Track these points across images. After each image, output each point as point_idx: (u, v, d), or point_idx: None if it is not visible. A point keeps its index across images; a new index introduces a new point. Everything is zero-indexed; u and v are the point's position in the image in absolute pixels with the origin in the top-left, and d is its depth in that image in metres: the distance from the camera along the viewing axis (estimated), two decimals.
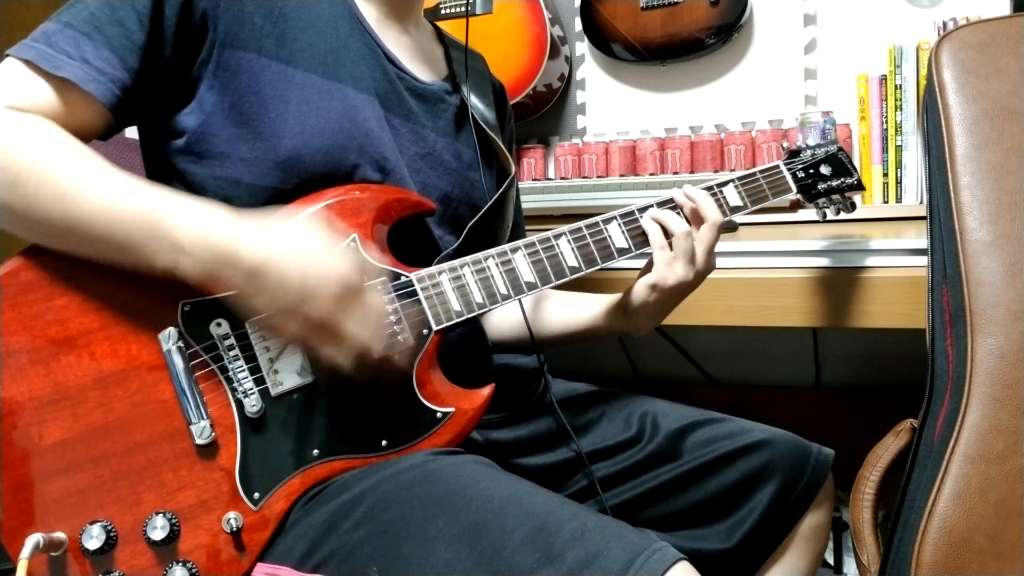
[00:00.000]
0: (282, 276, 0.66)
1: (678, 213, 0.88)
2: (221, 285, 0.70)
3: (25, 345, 0.70)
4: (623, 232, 0.87)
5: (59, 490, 0.69)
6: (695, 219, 0.88)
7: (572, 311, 1.02)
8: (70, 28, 0.71)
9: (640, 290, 0.89)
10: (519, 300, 0.84)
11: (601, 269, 0.87)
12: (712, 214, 0.87)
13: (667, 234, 0.87)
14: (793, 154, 0.99)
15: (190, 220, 0.67)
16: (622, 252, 0.87)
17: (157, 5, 0.73)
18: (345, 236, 0.77)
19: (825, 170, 0.98)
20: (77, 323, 0.71)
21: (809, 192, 0.98)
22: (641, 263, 0.92)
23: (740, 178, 0.93)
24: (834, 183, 0.98)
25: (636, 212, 0.88)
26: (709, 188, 0.90)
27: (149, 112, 0.78)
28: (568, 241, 0.85)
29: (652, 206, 0.88)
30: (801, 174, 0.97)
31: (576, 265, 0.85)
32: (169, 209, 0.68)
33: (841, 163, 0.99)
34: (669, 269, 0.86)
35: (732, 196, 0.92)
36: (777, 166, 0.97)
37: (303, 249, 0.67)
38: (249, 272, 0.66)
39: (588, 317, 0.99)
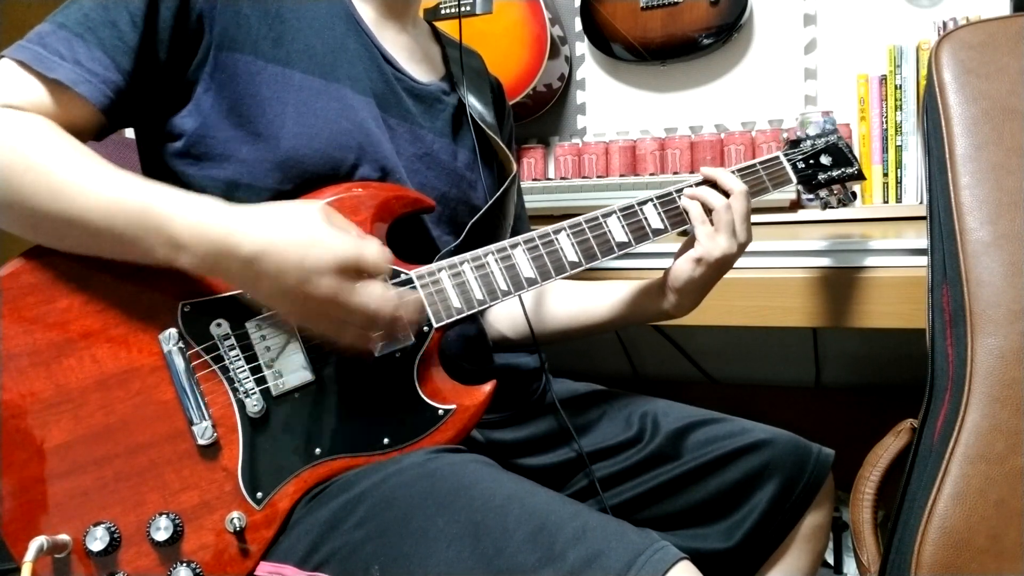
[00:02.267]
0: (281, 260, 0.67)
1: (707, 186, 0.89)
2: (221, 275, 0.70)
3: (26, 347, 0.70)
4: (623, 226, 0.87)
5: (62, 492, 0.69)
6: (723, 192, 0.88)
7: (588, 300, 1.01)
8: (63, 29, 0.71)
9: (685, 266, 0.88)
10: (520, 298, 0.84)
11: (599, 268, 0.87)
12: (736, 186, 0.88)
13: (707, 210, 0.87)
14: (793, 144, 0.99)
15: (185, 213, 0.68)
16: (622, 246, 0.87)
17: (151, 6, 0.73)
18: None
19: (825, 160, 0.98)
20: (78, 325, 0.71)
21: (809, 183, 0.97)
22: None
23: (740, 170, 0.93)
24: (835, 173, 0.98)
25: (635, 205, 0.88)
26: (669, 193, 0.90)
27: (145, 114, 0.78)
28: (568, 236, 0.85)
29: (651, 200, 0.88)
30: (801, 164, 0.97)
31: (576, 260, 0.85)
32: (164, 202, 0.68)
33: (841, 153, 0.98)
34: (713, 242, 0.86)
35: None
36: (777, 157, 0.96)
37: (300, 232, 0.68)
38: (247, 260, 0.67)
39: (610, 305, 0.98)
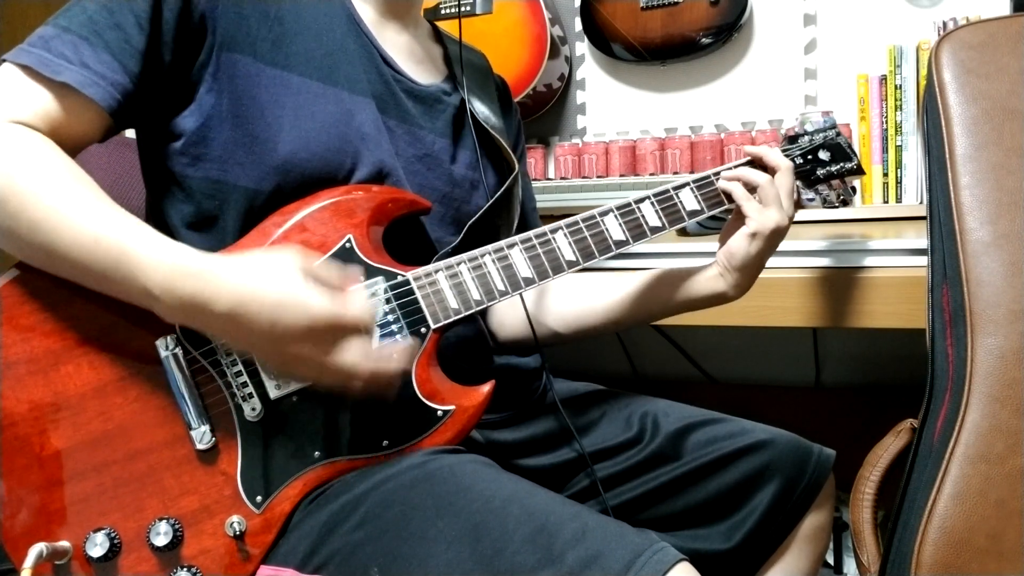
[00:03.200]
0: (254, 319, 0.65)
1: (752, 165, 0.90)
2: (198, 328, 0.70)
3: (24, 355, 0.70)
4: (620, 225, 0.87)
5: (62, 499, 0.69)
6: (769, 169, 0.89)
7: (662, 284, 0.96)
8: (68, 32, 0.71)
9: (741, 243, 0.87)
10: (522, 299, 0.83)
11: (598, 267, 0.87)
12: (782, 162, 0.89)
13: (751, 188, 0.88)
14: (791, 140, 0.99)
15: (158, 264, 0.65)
16: (619, 245, 0.86)
17: (156, 8, 0.73)
18: (341, 239, 0.77)
19: (824, 155, 0.97)
20: (75, 332, 0.71)
21: (808, 178, 0.97)
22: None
23: (739, 166, 0.93)
24: (833, 168, 0.97)
25: (632, 204, 0.87)
26: (706, 176, 0.90)
27: (149, 115, 0.77)
28: (565, 235, 0.85)
29: (648, 197, 0.88)
30: (799, 160, 0.96)
31: (574, 259, 0.84)
32: (139, 247, 0.66)
33: (840, 148, 0.98)
34: (765, 215, 0.86)
35: None
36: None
37: (274, 289, 0.65)
38: (220, 316, 0.65)
39: (683, 287, 0.93)
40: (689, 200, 0.89)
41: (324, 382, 0.69)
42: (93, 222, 0.66)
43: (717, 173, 0.91)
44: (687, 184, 0.89)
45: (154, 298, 0.66)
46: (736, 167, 0.91)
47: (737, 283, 0.90)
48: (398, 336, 0.77)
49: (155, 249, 0.66)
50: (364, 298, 0.70)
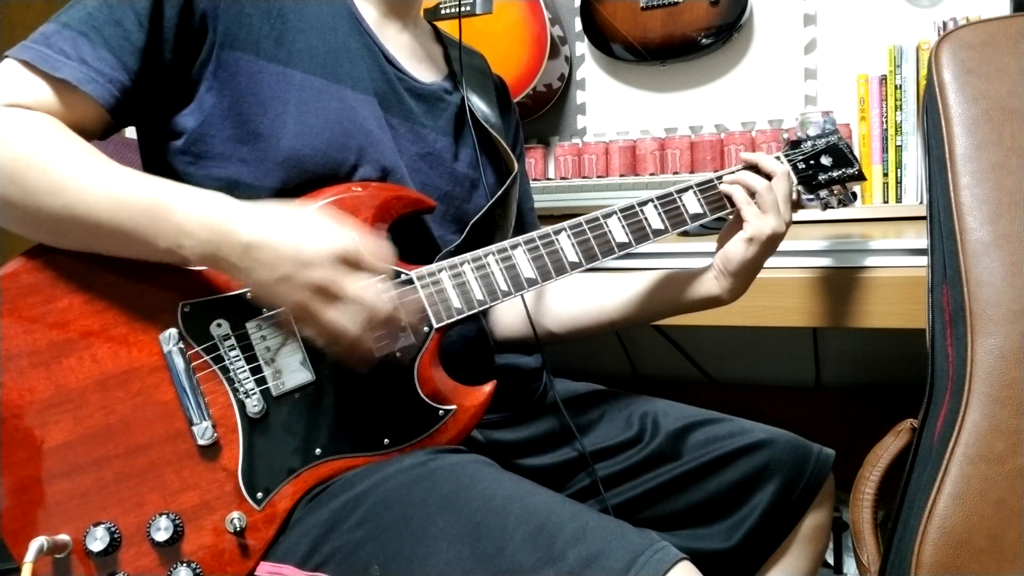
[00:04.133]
0: (278, 246, 0.67)
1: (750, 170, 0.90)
2: (221, 263, 0.69)
3: (26, 348, 0.70)
4: (623, 227, 0.87)
5: (62, 492, 0.69)
6: (766, 175, 0.90)
7: (658, 287, 0.97)
8: (68, 28, 0.71)
9: (738, 247, 0.88)
10: (523, 298, 0.84)
11: (600, 267, 0.87)
12: (778, 167, 0.90)
13: (751, 192, 0.89)
14: (793, 145, 0.99)
15: (190, 203, 0.69)
16: (622, 247, 0.87)
17: (156, 6, 0.73)
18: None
19: (826, 161, 0.98)
20: (78, 325, 0.71)
21: (810, 183, 0.97)
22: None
23: (741, 170, 0.93)
24: (835, 174, 0.98)
25: (636, 206, 0.88)
26: (708, 180, 0.91)
27: (148, 113, 0.78)
28: (568, 236, 0.85)
29: (652, 200, 0.88)
30: (801, 165, 0.97)
31: (576, 260, 0.85)
32: (170, 194, 0.69)
33: (842, 153, 0.99)
34: (762, 221, 0.87)
35: None
36: (778, 158, 0.96)
37: (299, 221, 0.69)
38: (246, 246, 0.67)
39: (678, 290, 0.94)
40: (692, 203, 0.89)
41: (338, 319, 0.69)
42: (117, 181, 0.68)
43: (720, 177, 0.91)
44: (690, 187, 0.89)
45: (184, 232, 0.68)
46: (736, 172, 0.91)
47: (732, 287, 0.91)
48: (400, 335, 0.77)
49: (186, 190, 0.70)
50: (381, 242, 0.73)
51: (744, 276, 0.90)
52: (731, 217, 0.92)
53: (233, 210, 0.69)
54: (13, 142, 0.67)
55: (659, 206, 0.88)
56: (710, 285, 0.92)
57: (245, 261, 0.68)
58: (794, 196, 0.93)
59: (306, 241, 0.68)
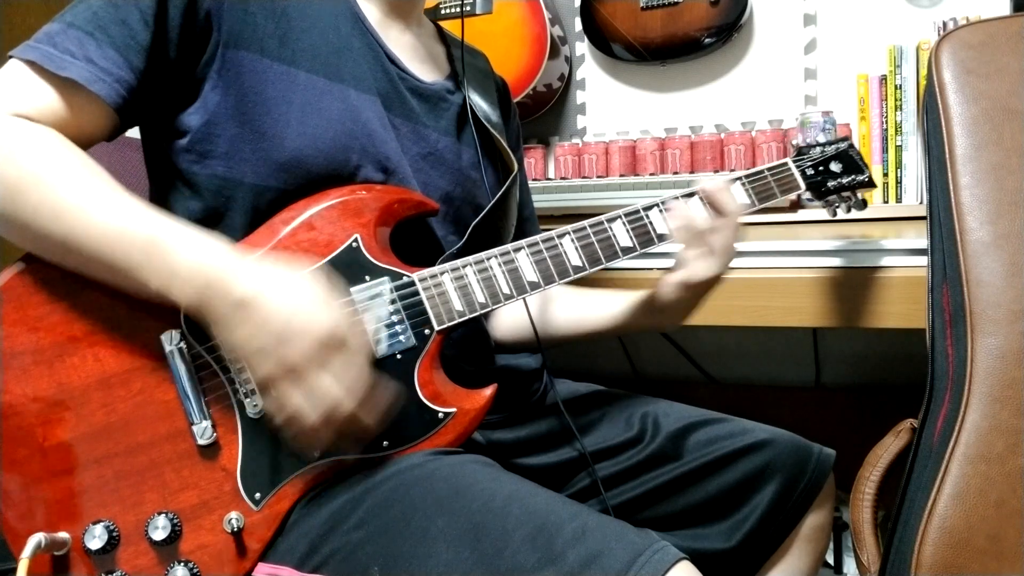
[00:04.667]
0: (268, 313, 0.65)
1: (704, 205, 0.88)
2: (208, 313, 0.67)
3: (29, 346, 0.70)
4: (627, 231, 0.87)
5: (62, 490, 0.69)
6: (718, 210, 0.87)
7: (589, 309, 1.01)
8: (73, 28, 0.70)
9: (670, 288, 0.88)
10: (524, 300, 0.84)
11: (604, 268, 0.87)
12: (733, 207, 0.87)
13: (690, 230, 0.86)
14: (802, 151, 0.99)
15: (189, 248, 0.67)
16: (626, 251, 0.86)
17: (161, 5, 0.73)
18: (348, 238, 0.77)
19: (835, 167, 0.97)
20: (81, 324, 0.71)
21: (819, 189, 0.97)
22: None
23: (748, 176, 0.93)
24: (844, 180, 0.97)
25: (641, 211, 0.88)
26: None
27: (153, 112, 0.77)
28: (572, 240, 0.85)
29: (657, 204, 0.88)
30: (810, 171, 0.96)
31: (580, 264, 0.84)
32: (170, 235, 0.67)
33: (852, 160, 0.98)
34: (698, 264, 0.86)
35: (740, 194, 0.92)
36: (786, 163, 0.96)
37: (298, 291, 0.67)
38: (237, 303, 0.65)
39: (609, 315, 0.98)
40: (697, 208, 0.89)
41: (299, 404, 0.66)
42: (117, 210, 0.67)
43: (730, 182, 0.91)
44: (695, 193, 0.89)
45: (177, 276, 0.66)
46: (688, 200, 0.89)
47: (671, 320, 0.93)
48: (401, 337, 0.77)
49: (185, 232, 0.68)
50: (370, 329, 0.73)
51: (677, 314, 0.91)
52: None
53: (230, 262, 0.67)
54: (17, 158, 0.66)
55: (665, 211, 0.88)
56: (651, 317, 0.94)
57: (231, 317, 0.66)
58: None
59: (298, 314, 0.66)
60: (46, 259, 0.71)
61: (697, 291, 0.88)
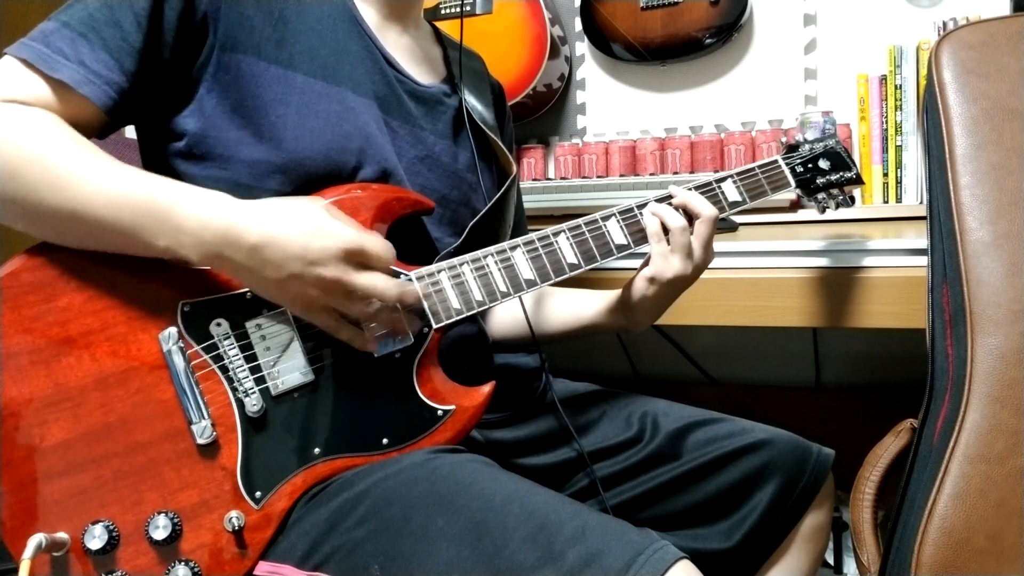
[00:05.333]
0: (285, 247, 0.68)
1: (677, 208, 0.88)
2: (225, 264, 0.70)
3: (26, 346, 0.70)
4: (622, 229, 0.87)
5: (61, 490, 0.69)
6: (691, 215, 0.87)
7: (575, 307, 1.02)
8: (67, 28, 0.71)
9: (638, 284, 0.89)
10: (520, 298, 0.84)
11: (601, 268, 0.87)
12: (706, 210, 0.87)
13: (665, 229, 0.87)
14: (791, 149, 0.99)
15: (191, 202, 0.69)
16: (621, 249, 0.87)
17: (156, 7, 0.73)
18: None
19: (824, 164, 0.98)
20: (78, 324, 0.71)
21: (808, 187, 0.97)
22: (640, 262, 0.92)
23: (739, 173, 0.93)
24: (833, 177, 0.98)
25: (635, 209, 0.88)
26: (707, 184, 0.90)
27: (148, 113, 0.78)
28: (567, 238, 0.85)
29: (650, 202, 0.88)
30: (800, 169, 0.97)
31: (575, 262, 0.85)
32: (170, 192, 0.69)
33: (840, 157, 0.99)
34: (666, 262, 0.86)
35: (731, 191, 0.92)
36: (775, 161, 0.96)
37: (305, 221, 0.70)
38: (252, 248, 0.68)
39: (591, 313, 0.99)
40: (669, 210, 0.89)
41: (349, 310, 0.72)
42: (117, 178, 0.68)
43: (719, 180, 0.91)
44: (689, 190, 0.89)
45: (185, 232, 0.68)
46: (661, 200, 0.89)
47: (637, 320, 0.93)
48: (400, 336, 0.77)
49: (186, 190, 0.70)
50: (382, 238, 0.74)
51: (646, 312, 0.91)
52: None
53: (237, 210, 0.69)
54: (14, 138, 0.67)
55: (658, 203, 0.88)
56: (615, 317, 0.95)
57: (252, 261, 0.69)
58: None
59: (313, 239, 0.69)
60: (54, 239, 0.71)
61: (665, 290, 0.88)
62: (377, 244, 0.72)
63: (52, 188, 0.67)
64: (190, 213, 0.68)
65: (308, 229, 0.69)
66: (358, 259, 0.71)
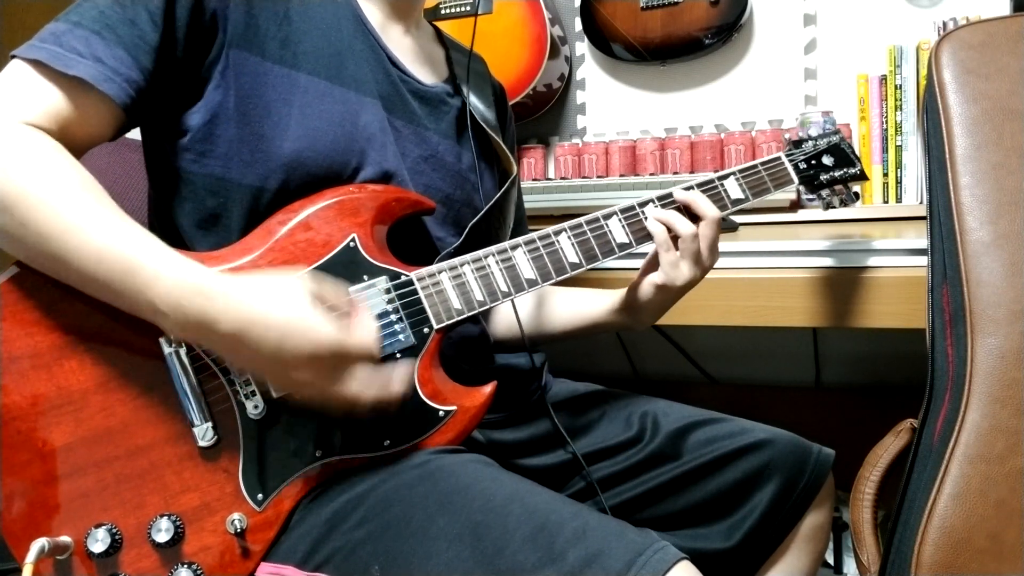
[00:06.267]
0: (259, 341, 0.64)
1: (680, 208, 0.88)
2: (203, 345, 0.70)
3: (28, 350, 0.70)
4: (623, 227, 0.87)
5: (63, 494, 0.69)
6: (695, 215, 0.88)
7: (580, 306, 1.02)
8: (80, 27, 0.69)
9: (646, 288, 0.90)
10: (513, 303, 0.84)
11: (599, 267, 0.87)
12: (710, 211, 0.87)
13: (672, 235, 0.87)
14: (795, 145, 0.99)
15: (164, 283, 0.64)
16: (623, 247, 0.87)
17: (169, 5, 0.72)
18: (345, 238, 0.77)
19: (827, 161, 0.98)
20: (79, 328, 0.71)
21: (811, 183, 0.97)
22: (641, 262, 0.92)
23: (742, 170, 0.93)
24: (836, 173, 0.98)
25: (636, 207, 0.88)
26: (710, 181, 0.90)
27: (158, 110, 0.77)
28: (568, 237, 0.85)
29: (652, 201, 0.88)
30: (803, 165, 0.97)
31: (577, 261, 0.85)
32: (147, 266, 0.65)
33: (844, 153, 0.99)
34: (676, 271, 0.87)
35: (733, 189, 0.92)
36: (779, 157, 0.96)
37: (281, 312, 0.65)
38: (225, 336, 0.65)
39: (595, 312, 1.00)
40: (676, 215, 0.89)
41: (328, 407, 0.69)
42: (103, 234, 0.65)
43: (722, 177, 0.91)
44: (691, 188, 0.89)
45: (161, 314, 0.65)
46: (662, 200, 0.89)
47: (641, 321, 0.95)
48: (400, 336, 0.77)
49: (163, 264, 0.65)
50: (370, 325, 0.70)
51: (650, 315, 0.93)
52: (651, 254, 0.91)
53: (212, 296, 0.64)
54: (9, 170, 0.65)
55: (660, 207, 0.88)
56: (619, 316, 0.96)
57: (226, 348, 0.67)
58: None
59: (286, 339, 0.64)
60: (52, 276, 0.69)
61: (673, 294, 0.90)
62: (359, 337, 0.68)
63: (35, 234, 0.65)
64: (165, 291, 0.64)
65: (283, 324, 0.64)
66: (334, 363, 0.67)
